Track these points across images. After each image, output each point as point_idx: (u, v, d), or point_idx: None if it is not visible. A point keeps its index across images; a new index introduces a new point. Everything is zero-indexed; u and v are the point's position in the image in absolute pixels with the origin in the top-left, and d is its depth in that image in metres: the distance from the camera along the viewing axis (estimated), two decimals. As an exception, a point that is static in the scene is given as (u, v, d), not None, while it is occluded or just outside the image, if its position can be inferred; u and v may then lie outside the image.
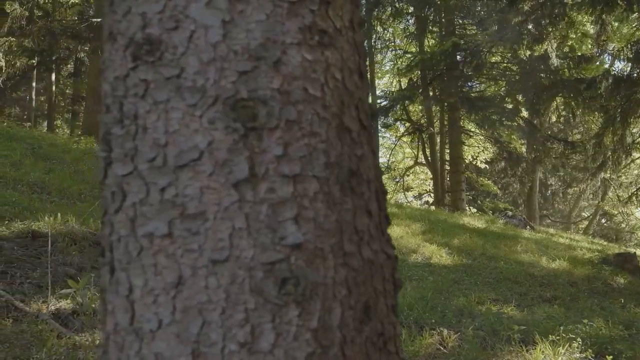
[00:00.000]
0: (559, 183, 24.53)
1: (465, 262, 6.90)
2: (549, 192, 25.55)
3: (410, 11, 15.30)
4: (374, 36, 16.75)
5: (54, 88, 15.94)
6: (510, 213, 12.93)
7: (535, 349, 3.30)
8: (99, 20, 10.20)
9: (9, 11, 10.53)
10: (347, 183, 0.85)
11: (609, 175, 15.94)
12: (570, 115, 18.10)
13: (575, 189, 22.43)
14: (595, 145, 10.79)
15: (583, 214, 25.23)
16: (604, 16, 10.91)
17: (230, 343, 0.74)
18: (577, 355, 3.30)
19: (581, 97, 11.09)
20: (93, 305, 2.44)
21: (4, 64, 10.49)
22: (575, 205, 23.62)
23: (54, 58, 11.76)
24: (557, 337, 3.35)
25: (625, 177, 20.50)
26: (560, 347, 3.27)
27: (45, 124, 17.33)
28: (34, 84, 15.94)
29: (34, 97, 16.16)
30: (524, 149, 18.56)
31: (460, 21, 16.50)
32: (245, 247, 0.76)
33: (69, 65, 16.98)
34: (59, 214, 3.42)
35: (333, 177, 0.83)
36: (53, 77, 15.48)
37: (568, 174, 21.90)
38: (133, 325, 0.78)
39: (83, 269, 3.00)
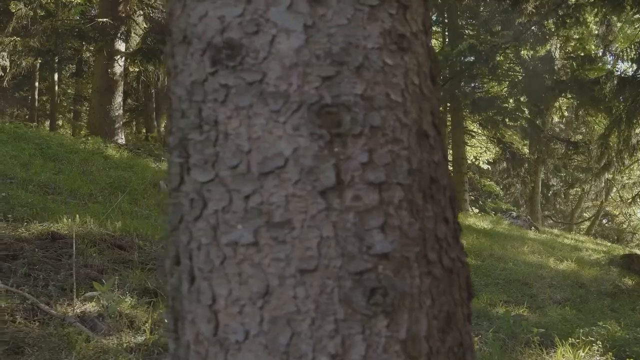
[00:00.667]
0: (561, 183, 24.53)
1: (474, 263, 6.89)
2: (550, 192, 25.54)
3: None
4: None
5: (56, 88, 15.90)
6: (514, 214, 12.94)
7: (555, 352, 3.29)
8: (104, 20, 10.18)
9: (13, 11, 10.50)
10: (428, 190, 0.83)
11: (611, 176, 15.95)
12: (574, 116, 18.11)
13: (577, 189, 22.43)
14: (600, 146, 10.79)
15: (585, 214, 25.23)
16: (609, 17, 10.92)
17: (321, 355, 0.73)
18: (598, 358, 3.29)
19: (586, 98, 11.08)
20: (117, 309, 2.42)
21: (8, 63, 10.45)
22: (578, 205, 23.62)
23: (57, 59, 11.72)
24: (577, 340, 3.34)
25: (628, 177, 20.50)
26: (580, 350, 3.26)
27: (47, 123, 17.29)
28: (36, 84, 15.90)
29: (36, 96, 16.12)
30: (526, 150, 18.56)
31: (463, 22, 16.50)
32: (333, 256, 0.75)
33: (70, 65, 16.94)
34: (77, 216, 3.40)
35: (415, 184, 0.81)
36: (56, 76, 15.45)
37: (570, 174, 21.89)
38: (217, 335, 0.77)
39: (104, 271, 2.99)
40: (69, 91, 19.44)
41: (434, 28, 17.75)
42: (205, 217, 0.79)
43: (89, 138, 8.25)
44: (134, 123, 20.81)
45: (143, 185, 6.27)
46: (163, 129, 17.06)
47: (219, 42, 0.81)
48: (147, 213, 5.19)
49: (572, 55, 16.00)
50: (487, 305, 4.74)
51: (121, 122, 11.28)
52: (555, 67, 15.17)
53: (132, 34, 11.36)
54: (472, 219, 11.74)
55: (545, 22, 13.02)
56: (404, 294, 0.77)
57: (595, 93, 10.30)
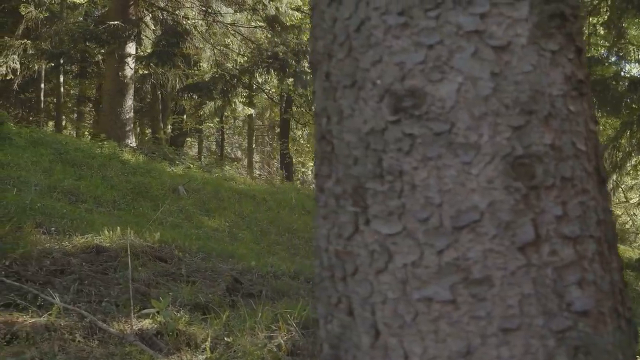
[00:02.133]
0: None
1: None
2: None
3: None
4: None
5: (62, 89, 15.81)
6: (524, 216, 12.92)
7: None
8: (114, 23, 10.13)
9: (24, 13, 10.45)
10: (612, 240, 0.81)
11: (616, 177, 15.93)
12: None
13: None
14: (612, 148, 10.78)
15: (588, 214, 25.12)
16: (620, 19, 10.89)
17: (529, 417, 0.70)
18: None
19: (602, 100, 11.05)
20: (177, 327, 2.39)
21: (19, 66, 10.40)
22: (582, 206, 23.56)
23: (62, 60, 11.64)
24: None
25: (633, 178, 20.49)
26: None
27: (51, 124, 17.19)
28: (42, 85, 15.81)
29: (42, 98, 16.02)
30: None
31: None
32: (535, 314, 0.72)
33: (73, 66, 16.81)
34: (118, 228, 3.37)
35: (603, 235, 0.79)
36: (61, 78, 15.36)
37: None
38: (412, 394, 0.74)
39: (150, 285, 2.96)
40: (72, 92, 19.34)
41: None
42: (392, 271, 0.77)
43: (105, 142, 8.22)
44: (138, 124, 20.74)
45: (163, 191, 6.25)
46: (170, 130, 17.00)
47: (399, 90, 0.79)
48: (172, 220, 5.17)
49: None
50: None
51: (131, 125, 11.23)
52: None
53: (142, 37, 11.31)
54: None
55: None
56: (603, 352, 0.75)
57: (618, 94, 10.27)
